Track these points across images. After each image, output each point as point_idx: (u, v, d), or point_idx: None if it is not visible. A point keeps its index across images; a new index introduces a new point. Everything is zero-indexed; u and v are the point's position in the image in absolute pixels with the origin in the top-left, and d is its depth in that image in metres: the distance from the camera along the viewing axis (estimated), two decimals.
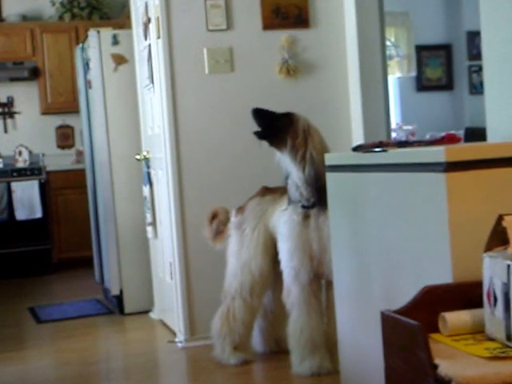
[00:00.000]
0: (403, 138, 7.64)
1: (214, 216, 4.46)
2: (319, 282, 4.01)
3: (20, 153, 8.65)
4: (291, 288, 3.99)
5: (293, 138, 3.91)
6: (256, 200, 4.28)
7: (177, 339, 4.90)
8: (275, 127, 3.93)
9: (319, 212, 3.86)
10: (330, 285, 3.84)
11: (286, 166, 3.97)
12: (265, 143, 4.02)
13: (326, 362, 3.98)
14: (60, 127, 9.01)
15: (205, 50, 4.76)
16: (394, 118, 9.05)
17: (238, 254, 4.24)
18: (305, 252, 3.92)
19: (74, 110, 8.22)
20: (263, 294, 4.28)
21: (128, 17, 6.01)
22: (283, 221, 4.02)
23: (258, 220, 4.22)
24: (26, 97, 8.86)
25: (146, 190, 5.48)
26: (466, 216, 2.36)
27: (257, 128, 3.99)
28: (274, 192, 4.27)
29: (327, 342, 3.98)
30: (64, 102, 8.74)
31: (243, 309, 4.22)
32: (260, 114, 3.98)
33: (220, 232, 4.42)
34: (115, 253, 5.95)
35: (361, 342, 3.09)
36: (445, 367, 1.89)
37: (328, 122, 4.80)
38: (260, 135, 3.99)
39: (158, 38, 4.79)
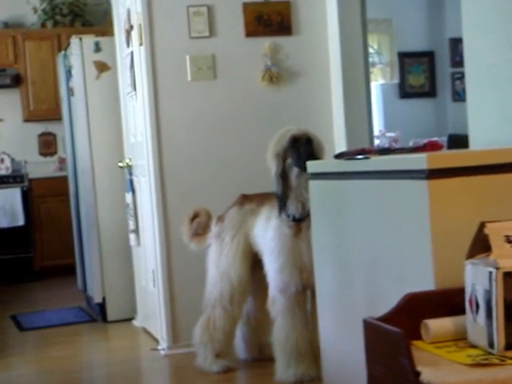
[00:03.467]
0: (386, 145, 7.66)
1: (195, 216, 4.44)
2: (305, 293, 4.00)
3: (2, 160, 8.61)
4: (277, 298, 3.98)
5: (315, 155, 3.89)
6: (235, 209, 4.28)
7: (160, 347, 4.88)
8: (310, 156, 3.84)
9: (310, 223, 3.86)
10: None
11: (296, 182, 3.90)
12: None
13: (310, 370, 3.97)
14: (42, 134, 8.97)
15: (187, 57, 4.76)
16: (377, 125, 9.06)
17: (217, 263, 4.24)
18: (295, 265, 3.91)
19: (56, 117, 8.17)
20: (243, 301, 4.28)
21: (110, 24, 5.99)
22: (271, 236, 3.99)
23: (236, 229, 4.22)
24: (8, 104, 8.81)
25: (128, 197, 5.46)
26: (448, 223, 2.36)
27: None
28: (251, 200, 4.25)
29: (312, 350, 3.97)
30: (46, 110, 8.70)
31: (223, 317, 4.22)
32: (307, 158, 3.82)
33: (197, 234, 4.41)
34: (98, 260, 5.93)
35: (343, 349, 3.08)
36: (427, 374, 1.89)
37: (311, 129, 4.79)
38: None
39: (141, 45, 4.79)
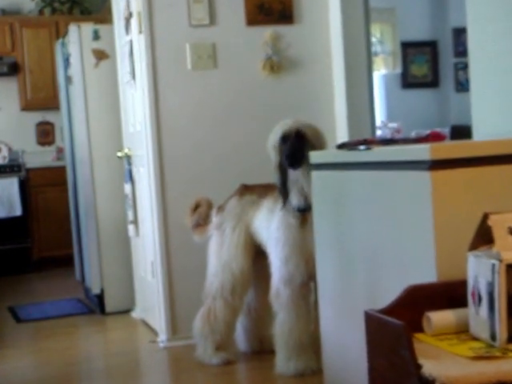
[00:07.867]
0: (388, 136, 7.65)
1: (196, 206, 4.42)
2: (309, 285, 3.97)
3: None
4: (281, 290, 3.94)
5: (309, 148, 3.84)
6: (235, 199, 4.25)
7: (158, 339, 4.86)
8: (301, 152, 3.81)
9: None
10: None
11: (295, 175, 3.86)
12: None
13: (311, 363, 3.95)
14: (40, 124, 8.95)
15: (187, 46, 4.72)
16: (379, 116, 9.04)
17: (218, 254, 4.21)
18: (302, 256, 3.87)
19: (54, 106, 8.12)
20: (244, 293, 4.25)
21: (109, 11, 5.96)
22: (276, 226, 3.95)
23: (237, 220, 4.19)
24: (5, 93, 8.77)
25: (127, 187, 5.44)
26: (450, 214, 2.35)
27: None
28: (252, 191, 4.22)
29: (314, 343, 3.94)
30: (44, 98, 8.67)
31: (224, 309, 4.20)
32: (294, 156, 3.81)
33: (199, 225, 4.38)
34: (96, 251, 5.91)
35: (344, 341, 3.07)
36: (429, 367, 1.88)
37: (312, 119, 4.72)
38: (295, 166, 3.83)
39: (140, 33, 4.75)
